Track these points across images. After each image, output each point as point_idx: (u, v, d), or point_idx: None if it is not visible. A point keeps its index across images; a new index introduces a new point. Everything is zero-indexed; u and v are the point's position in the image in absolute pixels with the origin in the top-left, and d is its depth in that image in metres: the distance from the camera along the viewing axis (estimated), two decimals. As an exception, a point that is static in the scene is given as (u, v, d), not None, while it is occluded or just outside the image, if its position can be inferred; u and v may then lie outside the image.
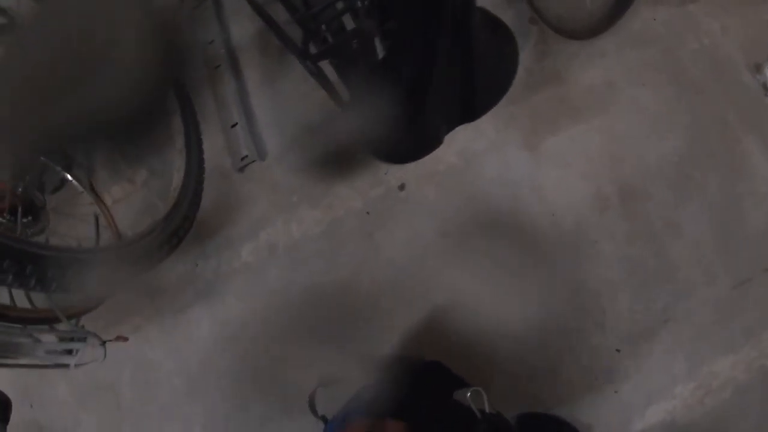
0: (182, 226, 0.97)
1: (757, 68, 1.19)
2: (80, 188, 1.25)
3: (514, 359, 1.11)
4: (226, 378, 1.18)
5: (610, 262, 1.14)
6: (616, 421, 1.10)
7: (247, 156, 1.22)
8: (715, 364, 1.11)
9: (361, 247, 1.19)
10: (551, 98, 1.21)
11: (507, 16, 1.24)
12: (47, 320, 1.04)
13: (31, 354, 0.99)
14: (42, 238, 1.08)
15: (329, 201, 1.21)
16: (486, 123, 1.20)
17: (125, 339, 1.20)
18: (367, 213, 1.20)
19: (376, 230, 1.19)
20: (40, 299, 1.05)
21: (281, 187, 1.23)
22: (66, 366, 1.10)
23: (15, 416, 0.77)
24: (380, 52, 0.70)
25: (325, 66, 1.00)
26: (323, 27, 0.81)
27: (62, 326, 1.05)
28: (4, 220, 1.03)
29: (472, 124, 0.98)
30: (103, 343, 1.17)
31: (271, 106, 1.27)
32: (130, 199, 1.22)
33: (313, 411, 1.07)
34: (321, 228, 1.20)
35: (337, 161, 1.23)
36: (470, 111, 0.82)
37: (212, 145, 1.20)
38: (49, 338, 1.01)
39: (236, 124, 1.24)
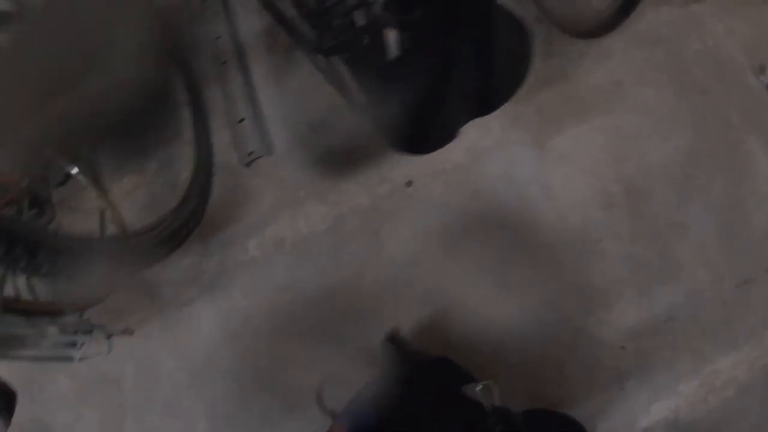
0: (191, 219, 0.97)
1: (761, 69, 1.20)
2: (85, 182, 1.25)
3: (519, 356, 1.11)
4: (229, 374, 1.17)
5: (615, 260, 1.15)
6: (621, 418, 1.10)
7: (254, 151, 1.22)
8: (718, 362, 1.12)
9: (367, 243, 1.19)
10: (557, 97, 1.22)
11: (514, 16, 1.25)
12: (52, 313, 1.04)
13: (36, 346, 0.99)
14: (49, 230, 1.08)
15: (336, 197, 1.22)
16: (492, 121, 1.21)
17: (131, 332, 1.20)
18: (374, 209, 1.20)
19: (383, 227, 1.19)
20: (44, 293, 1.05)
21: (288, 182, 1.23)
22: (71, 359, 1.09)
23: (16, 410, 0.77)
24: (396, 46, 0.70)
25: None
26: (336, 21, 0.81)
27: (67, 319, 1.05)
28: (10, 212, 1.03)
29: (479, 122, 0.99)
30: (109, 336, 1.17)
31: (279, 102, 1.28)
32: (138, 192, 1.22)
33: (321, 406, 1.07)
34: (327, 223, 1.21)
35: (344, 157, 1.23)
36: (485, 105, 0.82)
37: (219, 141, 1.20)
38: (53, 331, 1.00)
39: (243, 119, 1.24)
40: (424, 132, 0.75)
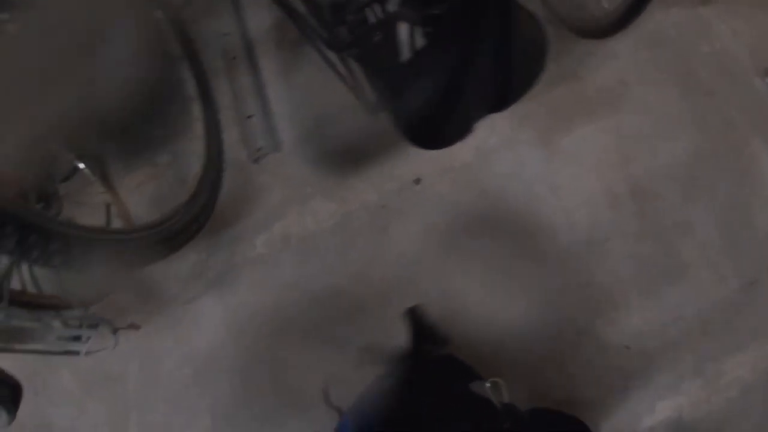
0: (202, 214, 0.97)
1: (766, 72, 1.21)
2: (92, 177, 1.25)
3: (523, 355, 1.11)
4: (234, 371, 1.17)
5: (621, 260, 1.16)
6: (625, 417, 1.11)
7: (262, 147, 1.22)
8: (721, 362, 1.12)
9: (375, 240, 1.19)
10: (565, 97, 1.23)
11: (522, 15, 1.26)
12: (58, 307, 1.04)
13: (42, 340, 0.98)
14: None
15: (344, 194, 1.22)
16: (501, 120, 1.21)
17: (137, 327, 1.19)
18: (382, 207, 1.20)
19: (390, 224, 1.20)
20: (50, 286, 1.05)
21: (296, 178, 1.24)
22: (76, 353, 1.09)
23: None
24: (410, 42, 0.71)
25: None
26: (350, 17, 0.82)
27: (73, 313, 1.05)
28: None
29: (487, 121, 1.00)
30: (115, 330, 1.17)
31: (287, 98, 1.28)
32: (147, 186, 1.22)
33: (328, 402, 1.08)
34: (335, 220, 1.21)
35: (352, 154, 1.24)
36: (501, 101, 0.83)
37: (228, 137, 1.20)
38: (59, 325, 1.00)
39: (252, 115, 1.24)
40: (441, 127, 0.76)
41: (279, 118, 1.27)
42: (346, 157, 1.24)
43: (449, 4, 0.64)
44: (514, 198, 1.19)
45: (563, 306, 1.14)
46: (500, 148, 1.21)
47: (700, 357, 1.12)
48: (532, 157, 1.20)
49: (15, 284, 0.96)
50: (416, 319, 1.07)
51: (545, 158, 1.20)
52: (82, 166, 1.24)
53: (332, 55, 1.14)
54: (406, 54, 0.78)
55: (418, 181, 1.21)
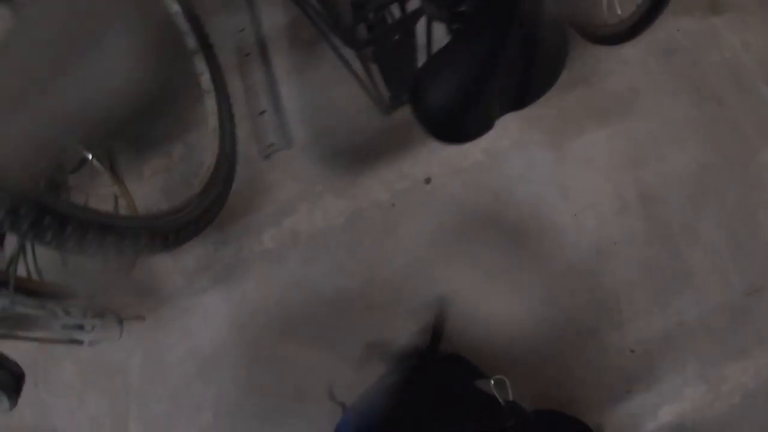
0: (214, 206, 0.97)
1: (776, 83, 1.23)
2: (101, 168, 1.25)
3: (528, 356, 1.12)
4: (239, 366, 1.17)
5: (628, 264, 1.16)
6: (628, 421, 1.11)
7: (273, 144, 1.23)
8: (725, 368, 1.13)
9: (384, 239, 1.19)
10: (576, 101, 1.24)
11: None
12: (63, 295, 1.04)
13: (46, 328, 0.98)
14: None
15: (354, 191, 1.22)
16: (512, 122, 1.22)
17: (143, 318, 1.20)
18: (392, 205, 1.21)
19: (400, 223, 1.20)
20: (55, 274, 1.04)
21: (306, 175, 1.24)
22: (80, 342, 1.09)
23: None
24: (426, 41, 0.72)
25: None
26: (370, 15, 0.82)
27: (78, 302, 1.05)
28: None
29: (498, 123, 1.00)
30: (120, 321, 1.17)
31: (299, 95, 1.29)
32: (158, 177, 1.22)
33: (332, 398, 1.08)
34: (344, 218, 1.21)
35: (363, 153, 1.24)
36: (521, 99, 0.84)
37: (240, 132, 1.20)
38: (63, 313, 1.00)
39: (264, 111, 1.25)
40: (463, 121, 0.77)
41: (291, 115, 1.28)
42: (357, 155, 1.24)
43: (480, 3, 0.64)
44: (523, 199, 1.19)
45: (568, 308, 1.15)
46: (511, 150, 1.22)
47: (704, 362, 1.12)
48: (542, 159, 1.21)
49: (21, 272, 0.97)
50: (441, 318, 1.08)
51: (555, 161, 1.21)
52: (91, 157, 1.24)
53: (348, 53, 1.15)
54: (423, 52, 0.78)
55: (428, 180, 1.22)
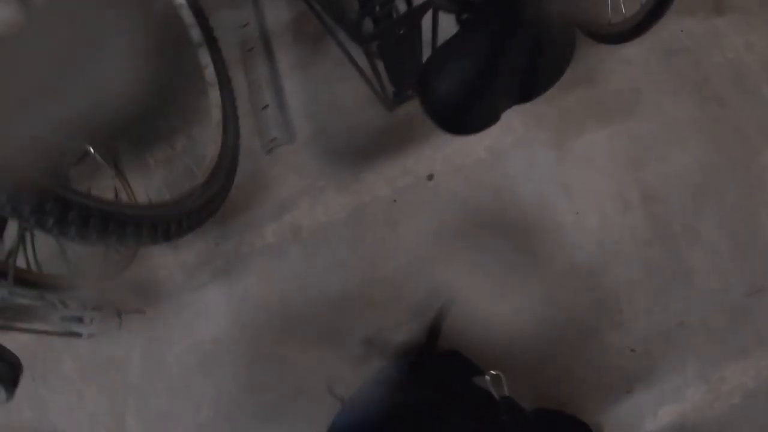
0: (217, 198, 0.97)
1: (779, 84, 1.23)
2: (103, 162, 1.25)
3: (528, 355, 1.11)
4: (239, 360, 1.17)
5: (629, 263, 1.16)
6: (628, 421, 1.11)
7: (276, 138, 1.22)
8: (726, 369, 1.13)
9: (385, 235, 1.19)
10: (580, 100, 1.24)
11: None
12: (63, 287, 1.03)
13: (45, 319, 0.98)
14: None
15: (356, 187, 1.22)
16: (515, 119, 1.23)
17: (143, 311, 1.19)
18: (394, 201, 1.21)
19: (401, 219, 1.20)
20: (55, 266, 1.04)
21: (308, 170, 1.24)
22: (79, 335, 1.08)
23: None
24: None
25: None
26: (376, 9, 0.82)
27: (78, 294, 1.04)
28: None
29: (501, 120, 1.00)
30: (119, 314, 1.16)
31: (302, 90, 1.28)
32: (161, 169, 1.22)
33: (332, 393, 1.08)
34: (346, 213, 1.21)
35: (365, 148, 1.24)
36: (527, 93, 0.84)
37: (242, 127, 1.20)
38: (63, 305, 0.99)
39: (267, 106, 1.25)
40: (470, 112, 0.77)
41: (294, 110, 1.28)
42: (360, 150, 1.24)
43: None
44: (525, 198, 1.19)
45: (569, 307, 1.15)
46: (513, 148, 1.22)
47: (704, 362, 1.12)
48: (545, 158, 1.21)
49: (20, 263, 0.96)
50: (440, 315, 1.08)
51: (557, 159, 1.21)
52: (93, 151, 1.24)
53: (352, 48, 1.15)
54: (428, 47, 0.78)
55: (431, 177, 1.22)
